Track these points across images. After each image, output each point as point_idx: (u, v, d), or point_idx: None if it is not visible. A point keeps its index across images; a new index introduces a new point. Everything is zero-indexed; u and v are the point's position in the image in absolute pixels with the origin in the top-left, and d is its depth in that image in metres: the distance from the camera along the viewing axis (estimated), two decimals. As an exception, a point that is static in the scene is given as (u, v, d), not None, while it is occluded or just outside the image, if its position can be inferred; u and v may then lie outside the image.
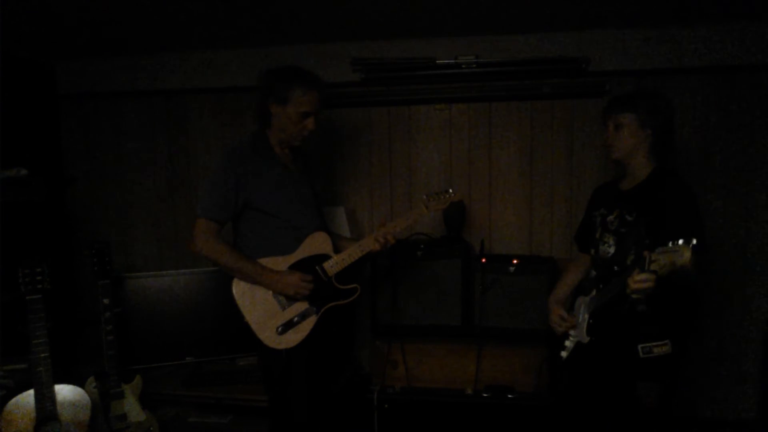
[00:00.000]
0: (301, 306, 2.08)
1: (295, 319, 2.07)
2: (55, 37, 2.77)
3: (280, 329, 2.05)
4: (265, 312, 2.06)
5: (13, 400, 2.14)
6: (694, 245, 1.51)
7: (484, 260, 2.72)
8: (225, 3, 2.26)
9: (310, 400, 2.11)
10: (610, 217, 2.03)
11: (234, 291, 2.06)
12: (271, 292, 2.06)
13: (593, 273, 2.12)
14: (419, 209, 2.19)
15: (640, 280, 1.64)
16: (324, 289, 2.10)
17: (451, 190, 2.23)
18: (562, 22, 2.65)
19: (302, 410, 2.10)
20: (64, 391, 2.19)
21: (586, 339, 2.02)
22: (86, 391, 2.26)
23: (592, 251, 2.13)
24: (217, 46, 3.01)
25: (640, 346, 1.89)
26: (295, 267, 2.08)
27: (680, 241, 1.54)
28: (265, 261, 2.07)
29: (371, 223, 3.16)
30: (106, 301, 2.39)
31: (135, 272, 2.90)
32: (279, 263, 2.07)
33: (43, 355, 2.13)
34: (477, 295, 2.71)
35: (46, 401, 2.12)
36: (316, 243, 2.12)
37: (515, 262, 2.70)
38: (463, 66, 2.85)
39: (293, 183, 2.14)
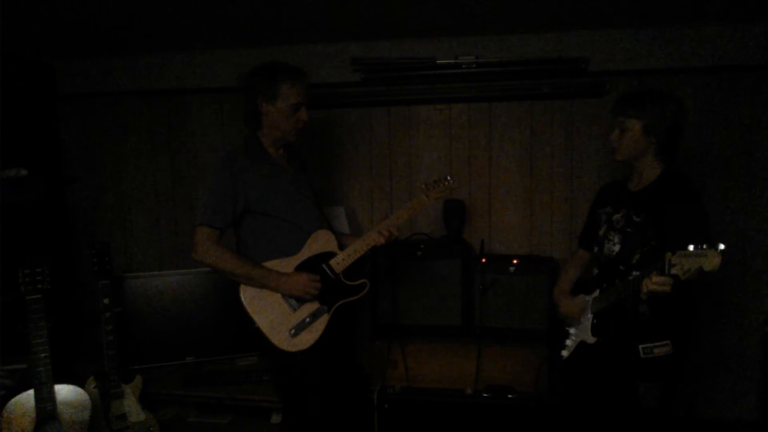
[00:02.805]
0: (312, 306, 2.06)
1: (307, 319, 2.04)
2: (55, 37, 2.77)
3: (293, 331, 2.02)
4: (276, 315, 2.02)
5: (13, 400, 2.14)
6: (722, 250, 1.50)
7: (484, 260, 2.72)
8: (225, 3, 2.26)
9: (325, 402, 2.09)
10: (617, 216, 2.03)
11: (242, 297, 2.02)
12: (280, 295, 2.03)
13: (595, 271, 2.12)
14: (419, 198, 2.20)
15: (658, 283, 1.63)
16: (333, 286, 2.09)
17: (449, 177, 2.23)
18: (562, 22, 2.65)
19: (318, 412, 2.08)
20: (64, 391, 2.19)
21: (592, 339, 2.02)
22: (86, 391, 2.26)
23: (596, 249, 2.12)
24: (217, 46, 3.01)
25: (641, 347, 1.88)
26: (301, 267, 2.06)
27: (705, 246, 1.52)
28: (271, 264, 2.04)
29: (371, 222, 3.16)
30: (106, 301, 2.39)
31: (135, 272, 2.90)
32: (285, 265, 2.05)
33: (43, 355, 2.12)
34: (477, 295, 2.71)
35: (46, 401, 2.12)
36: (321, 241, 2.11)
37: (515, 262, 2.70)
38: (463, 66, 2.85)
39: (291, 183, 2.12)
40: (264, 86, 2.03)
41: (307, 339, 2.04)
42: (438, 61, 2.87)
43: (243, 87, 2.09)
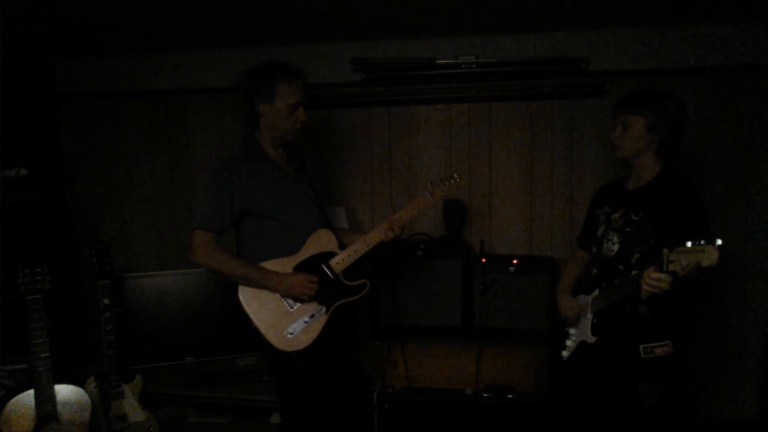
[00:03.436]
0: (310, 306, 2.06)
1: (305, 319, 2.04)
2: (55, 37, 2.77)
3: (290, 331, 2.02)
4: (273, 315, 2.03)
5: (13, 400, 2.14)
6: (719, 245, 1.50)
7: (484, 260, 2.72)
8: (225, 3, 2.26)
9: (323, 402, 2.09)
10: (615, 216, 2.03)
11: (240, 297, 2.03)
12: (278, 294, 2.03)
13: (594, 271, 2.12)
14: (424, 197, 2.18)
15: (657, 279, 1.64)
16: (332, 286, 2.09)
17: (455, 176, 2.21)
18: (562, 22, 2.65)
19: (316, 412, 2.08)
20: (64, 391, 2.19)
21: (591, 339, 2.02)
22: (86, 391, 2.26)
23: (594, 249, 2.13)
24: (217, 46, 3.01)
25: (641, 347, 1.89)
26: (301, 267, 2.06)
27: (702, 242, 1.52)
28: (270, 264, 2.04)
29: (371, 222, 3.16)
30: (106, 301, 2.39)
31: (135, 272, 2.90)
32: (284, 265, 2.05)
33: (43, 355, 2.13)
34: (477, 295, 2.71)
35: (46, 401, 2.12)
36: (321, 241, 2.11)
37: (515, 262, 2.70)
38: (463, 66, 2.85)
39: (290, 183, 2.12)
40: (261, 86, 2.03)
41: (305, 339, 2.04)
42: (438, 61, 2.87)
43: (240, 87, 2.09)
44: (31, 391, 2.13)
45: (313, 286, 2.03)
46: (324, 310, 2.07)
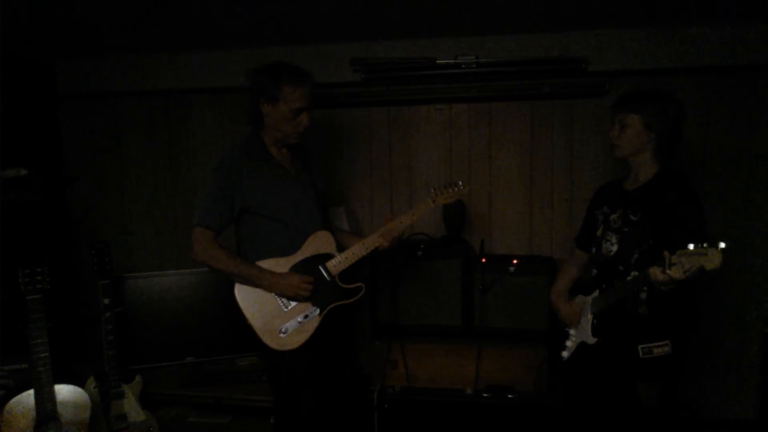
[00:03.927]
0: (304, 307, 2.06)
1: (299, 319, 2.05)
2: (55, 37, 2.77)
3: (283, 331, 2.03)
4: (267, 314, 2.04)
5: (13, 400, 2.14)
6: (723, 248, 1.50)
7: (484, 260, 2.72)
8: (225, 3, 2.26)
9: (316, 402, 2.10)
10: (614, 216, 2.03)
11: (236, 294, 2.05)
12: (273, 294, 2.05)
13: (593, 272, 2.12)
14: (425, 203, 2.17)
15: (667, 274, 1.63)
16: (328, 288, 2.09)
17: (460, 183, 2.20)
18: (562, 22, 2.65)
19: (308, 412, 2.09)
20: (64, 391, 2.19)
21: (592, 340, 2.02)
22: (86, 391, 2.26)
23: (593, 249, 2.12)
24: (217, 46, 3.01)
25: (640, 347, 1.89)
26: (297, 267, 2.06)
27: (705, 245, 1.52)
28: (267, 263, 2.05)
29: (372, 223, 3.16)
30: (106, 301, 2.39)
31: (135, 272, 2.90)
32: (281, 264, 2.06)
33: (43, 355, 2.13)
34: (477, 295, 2.71)
35: (46, 401, 2.12)
36: (319, 242, 2.11)
37: (515, 262, 2.70)
38: (463, 66, 2.85)
39: (292, 183, 2.12)
40: (266, 86, 2.03)
41: (297, 339, 2.04)
42: (438, 61, 2.87)
43: (247, 85, 2.09)
44: (31, 391, 2.13)
45: (308, 286, 2.03)
46: (318, 311, 2.07)
